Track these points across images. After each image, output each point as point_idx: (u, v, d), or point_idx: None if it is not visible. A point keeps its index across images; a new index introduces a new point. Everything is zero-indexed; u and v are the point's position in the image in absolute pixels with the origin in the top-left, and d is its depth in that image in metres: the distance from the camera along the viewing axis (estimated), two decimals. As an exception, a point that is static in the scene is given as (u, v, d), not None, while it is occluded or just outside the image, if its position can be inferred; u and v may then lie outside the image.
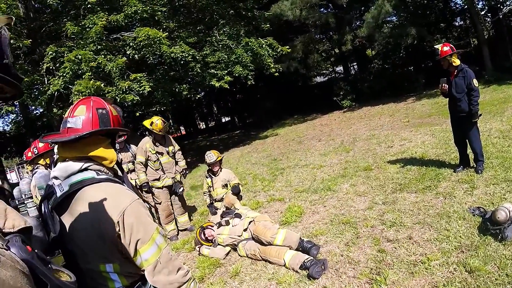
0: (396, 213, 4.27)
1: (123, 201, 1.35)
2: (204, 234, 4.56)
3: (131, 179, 5.51)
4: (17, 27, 9.44)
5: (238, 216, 4.44)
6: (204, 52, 12.09)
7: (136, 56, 10.14)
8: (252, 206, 5.90)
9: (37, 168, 4.14)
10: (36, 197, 3.86)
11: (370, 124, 12.08)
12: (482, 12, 17.08)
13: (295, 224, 4.77)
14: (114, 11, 10.23)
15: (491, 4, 15.61)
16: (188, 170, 6.20)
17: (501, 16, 15.48)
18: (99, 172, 1.43)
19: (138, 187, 5.51)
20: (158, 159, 5.37)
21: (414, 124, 10.00)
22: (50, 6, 10.60)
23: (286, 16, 16.10)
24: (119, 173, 1.60)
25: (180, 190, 5.51)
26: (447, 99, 5.24)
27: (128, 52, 10.15)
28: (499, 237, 3.13)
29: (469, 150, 5.14)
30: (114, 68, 9.20)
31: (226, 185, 5.60)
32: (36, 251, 0.90)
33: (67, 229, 1.35)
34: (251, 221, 4.26)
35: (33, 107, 15.52)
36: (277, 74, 13.81)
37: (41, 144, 4.13)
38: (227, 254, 4.32)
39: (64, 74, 9.03)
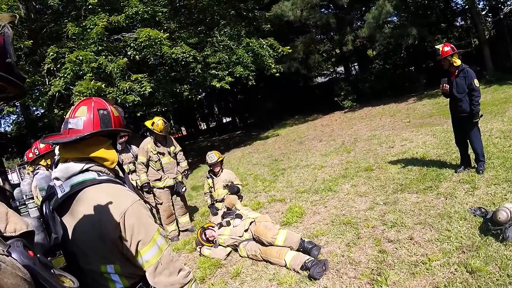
0: (397, 213, 4.26)
1: (124, 202, 1.35)
2: (205, 235, 4.56)
3: (132, 180, 5.51)
4: (18, 28, 9.46)
5: (239, 216, 4.45)
6: (205, 53, 12.11)
7: (137, 57, 10.15)
8: (253, 206, 5.90)
9: (38, 169, 4.14)
10: (37, 197, 3.87)
11: (371, 124, 12.08)
12: (483, 12, 17.08)
13: (296, 225, 4.77)
14: (115, 12, 10.25)
15: (492, 4, 15.58)
16: (190, 170, 6.21)
17: (502, 16, 15.46)
18: (100, 173, 1.43)
19: (139, 187, 5.52)
20: (159, 160, 5.38)
21: (415, 124, 9.99)
22: (51, 7, 10.64)
23: (287, 16, 16.09)
24: (120, 174, 1.60)
25: (183, 189, 5.52)
26: (448, 99, 5.24)
27: (129, 53, 10.16)
28: (500, 237, 3.12)
29: (470, 150, 5.13)
30: (115, 69, 9.21)
31: (227, 186, 5.60)
32: (38, 255, 0.89)
33: (68, 230, 1.35)
34: (252, 222, 4.26)
35: (34, 108, 15.51)
36: (278, 74, 13.82)
37: (42, 145, 4.13)
38: (228, 255, 4.32)
39: (65, 75, 9.05)
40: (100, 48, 9.44)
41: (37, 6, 10.87)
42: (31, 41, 9.16)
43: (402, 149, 7.40)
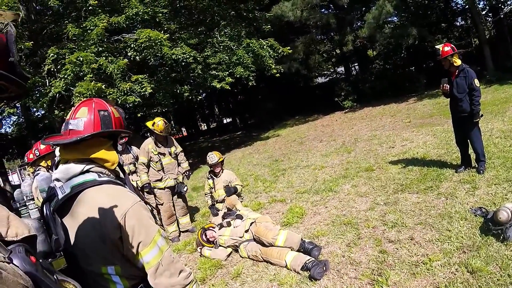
0: (398, 213, 4.26)
1: (124, 203, 1.35)
2: (206, 235, 4.56)
3: (133, 181, 5.52)
4: (18, 29, 9.46)
5: (240, 217, 4.45)
6: (205, 54, 12.11)
7: (137, 57, 10.15)
8: (253, 207, 5.90)
9: (38, 170, 4.14)
10: (38, 198, 3.87)
11: (371, 124, 12.08)
12: (483, 12, 17.08)
13: (297, 225, 4.77)
14: (115, 13, 10.25)
15: (492, 4, 15.59)
16: (191, 171, 6.21)
17: (502, 16, 15.46)
18: (100, 174, 1.43)
19: (139, 188, 5.53)
20: (160, 160, 5.39)
21: (415, 124, 9.99)
22: (51, 8, 10.63)
23: (287, 17, 16.11)
24: (121, 175, 1.60)
25: (185, 189, 5.53)
26: (449, 99, 5.24)
27: (129, 54, 10.16)
28: (501, 237, 3.12)
29: (470, 150, 5.13)
30: (116, 70, 9.21)
31: (227, 186, 5.60)
32: (40, 260, 0.87)
33: (69, 231, 1.35)
34: (252, 222, 4.26)
35: (34, 109, 15.54)
36: (278, 75, 13.82)
37: (42, 146, 4.14)
38: (228, 255, 4.32)
39: (66, 76, 9.04)
40: (100, 49, 9.44)
41: (37, 7, 10.87)
42: (32, 42, 9.15)
43: (402, 149, 7.40)
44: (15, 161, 26.50)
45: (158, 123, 5.20)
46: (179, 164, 5.66)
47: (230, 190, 5.33)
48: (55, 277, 0.92)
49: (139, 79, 9.80)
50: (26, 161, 4.62)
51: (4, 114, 13.92)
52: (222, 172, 5.72)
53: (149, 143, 5.38)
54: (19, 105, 15.00)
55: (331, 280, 3.24)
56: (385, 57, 21.63)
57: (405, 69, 20.56)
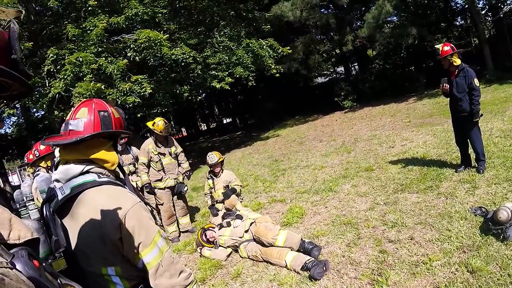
0: (398, 213, 4.26)
1: (124, 204, 1.34)
2: (206, 236, 4.56)
3: (133, 181, 5.52)
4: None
5: (240, 217, 4.45)
6: (205, 54, 12.11)
7: (137, 58, 10.16)
8: (253, 207, 5.90)
9: (38, 170, 4.15)
10: (38, 199, 3.87)
11: (371, 124, 12.08)
12: (483, 12, 17.10)
13: (297, 225, 4.77)
14: (114, 13, 10.26)
15: (491, 3, 15.59)
16: (191, 171, 6.22)
17: (501, 15, 15.46)
18: (100, 174, 1.42)
19: (139, 188, 5.54)
20: (160, 160, 5.39)
21: (415, 124, 9.99)
22: (51, 8, 10.64)
23: (286, 17, 16.10)
24: (121, 175, 1.60)
25: (185, 189, 5.54)
26: (448, 99, 5.24)
27: (129, 54, 10.16)
28: (501, 237, 3.12)
29: (470, 150, 5.13)
30: (115, 70, 9.21)
31: (227, 187, 5.60)
32: (44, 264, 0.85)
33: (69, 232, 1.35)
34: (252, 223, 4.26)
35: (34, 110, 15.56)
36: (278, 75, 13.83)
37: (42, 147, 4.14)
38: (228, 256, 4.32)
39: (65, 77, 9.05)
40: (100, 49, 9.45)
41: (37, 8, 10.88)
42: (31, 42, 9.16)
43: (402, 149, 7.40)
44: (15, 162, 26.48)
45: (158, 123, 5.21)
46: (179, 164, 5.66)
47: (228, 194, 5.30)
48: (59, 281, 0.90)
49: (139, 79, 9.80)
50: (26, 161, 4.62)
51: (4, 115, 13.91)
52: (222, 172, 5.72)
53: (149, 143, 5.38)
54: (18, 106, 15.00)
55: (331, 280, 3.24)
56: (384, 57, 21.63)
57: (405, 68, 20.57)
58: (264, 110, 22.02)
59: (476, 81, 4.80)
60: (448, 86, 5.02)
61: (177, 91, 11.89)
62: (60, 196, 1.36)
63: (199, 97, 16.54)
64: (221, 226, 4.56)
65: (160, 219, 5.67)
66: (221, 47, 12.41)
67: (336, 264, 3.48)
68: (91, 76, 8.96)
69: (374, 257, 3.42)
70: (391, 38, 16.45)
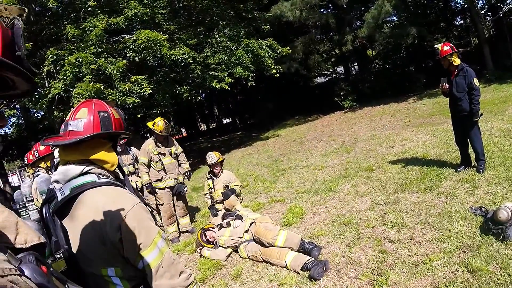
0: (398, 213, 4.26)
1: (124, 205, 1.34)
2: (206, 236, 4.56)
3: (132, 182, 5.52)
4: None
5: (239, 217, 4.45)
6: (205, 54, 12.11)
7: (136, 58, 10.15)
8: (253, 207, 5.90)
9: (38, 171, 4.15)
10: (37, 200, 3.87)
11: (371, 124, 12.08)
12: (482, 11, 17.04)
13: (296, 225, 4.77)
14: (114, 14, 10.26)
15: (491, 3, 15.59)
16: (191, 172, 6.22)
17: (501, 15, 15.46)
18: (100, 175, 1.42)
19: (139, 189, 5.54)
20: (160, 160, 5.40)
21: (415, 124, 10.00)
22: (51, 9, 10.63)
23: (286, 17, 16.10)
24: (121, 176, 1.60)
25: (185, 190, 5.54)
26: (448, 98, 5.24)
27: (128, 55, 10.16)
28: (501, 236, 3.12)
29: (470, 150, 5.13)
30: (115, 71, 9.20)
31: (227, 187, 5.60)
32: (51, 269, 0.83)
33: (69, 233, 1.35)
34: (252, 223, 4.26)
35: (34, 110, 15.55)
36: (277, 75, 13.82)
37: (42, 147, 4.14)
38: (228, 256, 4.32)
39: (65, 77, 9.04)
40: (99, 50, 9.44)
41: (36, 9, 10.86)
42: (31, 43, 9.14)
43: (402, 149, 7.40)
44: (15, 162, 26.46)
45: (158, 123, 5.22)
46: (179, 165, 5.67)
47: (227, 194, 5.30)
48: (66, 286, 0.89)
49: (139, 79, 9.80)
50: (26, 162, 4.62)
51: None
52: (221, 172, 5.72)
53: (149, 143, 5.39)
54: (18, 107, 15.01)
55: (331, 280, 3.24)
56: (384, 57, 21.63)
57: (405, 68, 20.56)
58: (264, 110, 22.03)
59: (475, 80, 4.81)
60: (447, 85, 5.02)
61: (177, 92, 11.89)
62: (59, 197, 1.36)
63: (199, 97, 16.51)
64: (221, 226, 4.56)
65: (160, 219, 5.67)
66: (220, 47, 12.41)
67: (336, 264, 3.48)
68: (90, 76, 8.96)
69: (374, 257, 3.42)
70: (390, 38, 16.47)
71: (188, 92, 12.31)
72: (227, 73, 12.17)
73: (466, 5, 17.01)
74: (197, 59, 11.18)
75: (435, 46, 5.09)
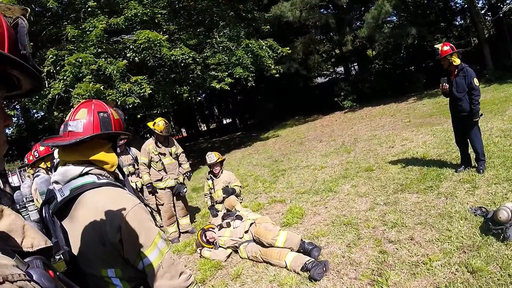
0: (398, 213, 4.26)
1: (124, 205, 1.34)
2: (206, 236, 4.56)
3: (132, 182, 5.52)
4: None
5: (239, 218, 4.45)
6: (205, 54, 12.11)
7: (136, 58, 10.15)
8: (253, 207, 5.90)
9: (38, 171, 4.15)
10: (37, 200, 3.87)
11: (371, 124, 12.08)
12: (482, 11, 17.05)
13: (296, 226, 4.77)
14: (114, 14, 10.25)
15: (491, 3, 15.60)
16: (191, 172, 6.22)
17: (501, 15, 15.46)
18: (100, 176, 1.42)
19: (139, 189, 5.54)
20: (160, 160, 5.40)
21: (415, 124, 9.99)
22: (50, 9, 10.62)
23: (286, 17, 16.11)
24: (120, 176, 1.60)
25: (184, 190, 5.54)
26: (448, 98, 5.24)
27: (128, 55, 10.16)
28: (501, 237, 3.12)
29: (470, 150, 5.13)
30: (115, 71, 9.20)
31: (227, 187, 5.59)
32: (58, 273, 0.82)
33: (68, 234, 1.35)
34: (252, 223, 4.26)
35: (34, 111, 15.55)
36: (277, 75, 13.82)
37: (42, 148, 4.15)
38: (228, 256, 4.32)
39: (65, 78, 9.04)
40: (99, 50, 9.44)
41: (36, 9, 10.86)
42: (31, 43, 9.07)
43: (402, 149, 7.40)
44: (15, 163, 26.46)
45: (158, 123, 5.24)
46: (180, 165, 5.67)
47: (228, 191, 5.32)
48: None
49: (138, 80, 9.80)
50: (26, 162, 4.62)
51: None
52: (221, 172, 5.71)
53: (149, 143, 5.40)
54: (18, 107, 15.00)
55: (331, 280, 3.24)
56: (384, 57, 21.64)
57: (405, 68, 20.56)
58: (264, 110, 22.03)
59: (475, 80, 4.81)
60: (447, 86, 5.02)
61: (177, 92, 11.89)
62: (59, 198, 1.35)
63: (199, 98, 16.51)
64: (221, 226, 4.56)
65: (160, 219, 5.67)
66: (220, 47, 12.40)
67: (336, 265, 3.48)
68: (90, 77, 8.96)
69: (374, 257, 3.42)
70: (390, 38, 16.46)
71: (188, 92, 12.31)
72: (227, 73, 12.17)
73: (466, 5, 17.02)
74: (197, 59, 11.18)
75: (435, 46, 5.09)
